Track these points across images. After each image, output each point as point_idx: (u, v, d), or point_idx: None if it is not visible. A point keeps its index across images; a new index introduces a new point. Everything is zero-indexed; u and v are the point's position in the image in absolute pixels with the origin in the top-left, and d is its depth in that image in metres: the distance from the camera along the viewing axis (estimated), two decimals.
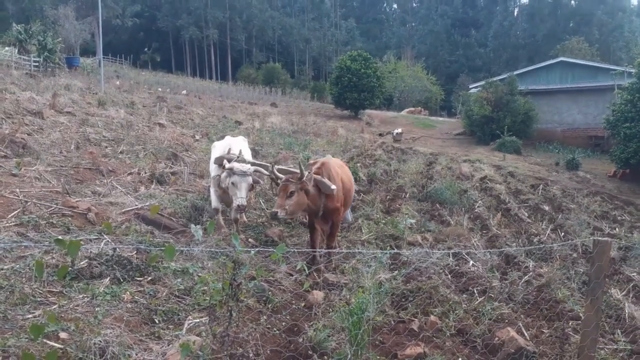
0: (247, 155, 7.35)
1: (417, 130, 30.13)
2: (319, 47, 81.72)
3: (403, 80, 46.36)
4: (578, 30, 61.38)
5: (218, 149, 7.24)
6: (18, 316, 3.70)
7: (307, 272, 4.05)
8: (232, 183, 6.22)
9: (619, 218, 11.07)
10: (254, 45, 76.28)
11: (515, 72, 28.33)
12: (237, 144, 7.25)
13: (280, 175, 5.89)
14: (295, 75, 70.44)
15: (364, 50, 36.72)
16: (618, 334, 4.90)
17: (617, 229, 9.89)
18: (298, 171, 6.01)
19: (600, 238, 3.39)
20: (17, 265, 4.40)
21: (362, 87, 31.64)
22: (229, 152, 6.76)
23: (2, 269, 4.27)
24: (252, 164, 6.75)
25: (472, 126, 26.90)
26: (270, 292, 4.89)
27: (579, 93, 26.79)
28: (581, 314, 4.80)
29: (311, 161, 7.10)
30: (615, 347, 4.62)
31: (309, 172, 5.75)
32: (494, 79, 28.01)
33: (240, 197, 6.16)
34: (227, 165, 6.36)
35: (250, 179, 6.31)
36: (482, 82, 28.27)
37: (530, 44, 68.21)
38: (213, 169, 6.98)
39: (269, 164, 6.77)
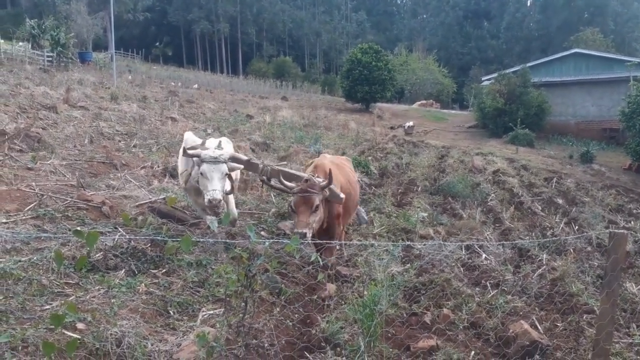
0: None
1: (429, 123, 29.98)
2: (329, 40, 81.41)
3: (414, 73, 46.14)
4: (592, 21, 60.40)
5: (189, 140, 5.97)
6: (36, 307, 3.77)
7: (321, 263, 3.93)
8: (201, 173, 5.12)
9: (634, 211, 10.92)
10: (264, 38, 76.26)
11: (529, 64, 27.98)
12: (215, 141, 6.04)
13: (288, 184, 4.88)
14: (305, 69, 70.37)
15: (374, 43, 36.53)
16: (633, 327, 4.86)
17: (632, 222, 9.76)
18: (301, 175, 5.15)
19: (616, 230, 3.35)
20: (35, 258, 4.48)
21: (373, 80, 31.50)
22: (203, 144, 5.57)
23: (20, 261, 4.34)
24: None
25: (485, 119, 26.68)
26: (283, 284, 4.91)
27: (593, 85, 26.42)
28: (596, 308, 4.77)
29: (309, 162, 6.35)
30: (630, 340, 4.58)
31: (329, 179, 4.76)
32: (507, 71, 27.69)
33: (211, 189, 5.01)
34: (191, 152, 5.28)
35: (224, 167, 5.15)
36: (495, 75, 27.99)
37: (544, 35, 67.28)
38: (181, 163, 5.76)
39: (259, 162, 5.75)
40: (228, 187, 5.41)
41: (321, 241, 4.56)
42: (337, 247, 5.71)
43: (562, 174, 15.30)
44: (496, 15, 78.16)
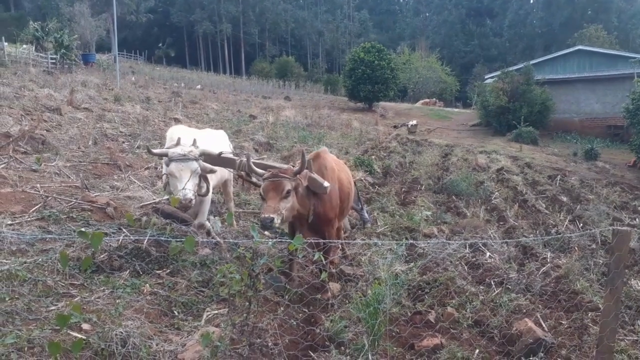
0: (221, 149, 5.64)
1: (432, 121, 29.92)
2: (332, 40, 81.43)
3: (417, 72, 46.06)
4: (596, 17, 60.16)
5: (167, 139, 5.57)
6: (42, 308, 3.79)
7: (324, 262, 3.80)
8: (170, 174, 4.76)
9: (639, 208, 10.88)
10: (267, 38, 76.35)
11: (532, 62, 27.92)
12: (196, 134, 5.48)
13: (259, 170, 4.51)
14: (308, 69, 70.36)
15: (377, 42, 36.51)
16: (638, 325, 4.84)
17: (637, 219, 9.72)
18: (280, 166, 4.74)
19: (620, 227, 3.35)
20: (40, 259, 4.50)
21: (375, 79, 31.46)
22: (178, 143, 5.12)
23: (25, 262, 4.37)
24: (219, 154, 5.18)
25: (488, 117, 26.62)
26: (286, 284, 4.92)
27: (597, 82, 26.31)
28: (600, 305, 4.75)
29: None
30: (635, 338, 4.56)
31: (307, 165, 4.40)
32: (510, 68, 27.63)
33: (181, 189, 4.64)
34: (157, 151, 4.94)
35: (194, 165, 4.75)
36: (498, 72, 27.91)
37: (547, 32, 67.05)
38: (164, 168, 5.29)
39: (235, 157, 5.30)
40: (203, 188, 5.03)
41: (324, 240, 4.47)
42: (339, 246, 5.57)
43: (566, 171, 15.26)
44: (499, 13, 78.02)
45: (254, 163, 4.66)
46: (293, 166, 4.62)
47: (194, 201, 4.74)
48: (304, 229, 4.72)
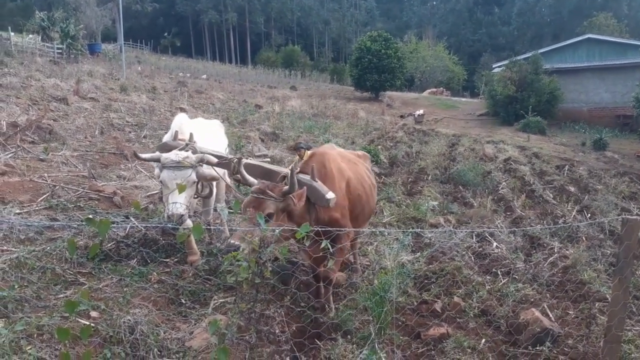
0: (215, 144, 5.17)
1: (439, 111, 29.73)
2: (338, 29, 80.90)
3: (424, 61, 45.66)
4: (606, 5, 59.32)
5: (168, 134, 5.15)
6: (50, 296, 3.83)
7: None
8: (162, 182, 4.24)
9: None
10: (272, 28, 75.98)
11: (540, 51, 27.57)
12: (191, 126, 4.93)
13: (249, 179, 3.85)
14: (314, 58, 70.08)
15: (384, 31, 36.15)
16: None
17: None
18: (279, 170, 4.16)
19: (629, 217, 3.32)
20: (48, 247, 4.54)
21: (382, 68, 31.21)
22: (175, 138, 4.66)
23: (34, 251, 4.40)
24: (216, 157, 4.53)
25: (496, 106, 26.39)
26: (293, 272, 4.93)
27: (606, 71, 25.98)
28: (608, 296, 4.74)
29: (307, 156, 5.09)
30: None
31: (291, 183, 3.57)
32: (518, 57, 27.31)
33: (171, 202, 4.03)
34: (145, 156, 4.36)
35: (190, 174, 4.17)
36: (506, 61, 27.61)
37: (556, 21, 66.24)
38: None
39: (232, 156, 4.62)
40: (206, 190, 4.65)
41: (330, 228, 4.02)
42: (350, 259, 5.25)
43: (574, 161, 15.14)
44: (507, 1, 77.02)
45: (248, 164, 4.11)
46: (296, 167, 4.02)
47: (185, 217, 4.13)
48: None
